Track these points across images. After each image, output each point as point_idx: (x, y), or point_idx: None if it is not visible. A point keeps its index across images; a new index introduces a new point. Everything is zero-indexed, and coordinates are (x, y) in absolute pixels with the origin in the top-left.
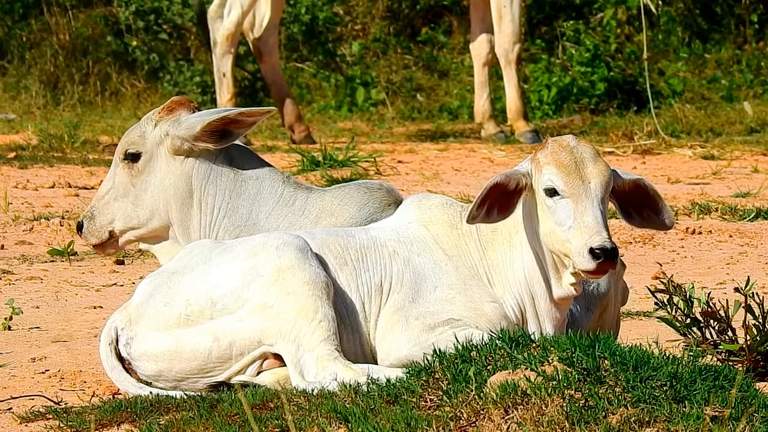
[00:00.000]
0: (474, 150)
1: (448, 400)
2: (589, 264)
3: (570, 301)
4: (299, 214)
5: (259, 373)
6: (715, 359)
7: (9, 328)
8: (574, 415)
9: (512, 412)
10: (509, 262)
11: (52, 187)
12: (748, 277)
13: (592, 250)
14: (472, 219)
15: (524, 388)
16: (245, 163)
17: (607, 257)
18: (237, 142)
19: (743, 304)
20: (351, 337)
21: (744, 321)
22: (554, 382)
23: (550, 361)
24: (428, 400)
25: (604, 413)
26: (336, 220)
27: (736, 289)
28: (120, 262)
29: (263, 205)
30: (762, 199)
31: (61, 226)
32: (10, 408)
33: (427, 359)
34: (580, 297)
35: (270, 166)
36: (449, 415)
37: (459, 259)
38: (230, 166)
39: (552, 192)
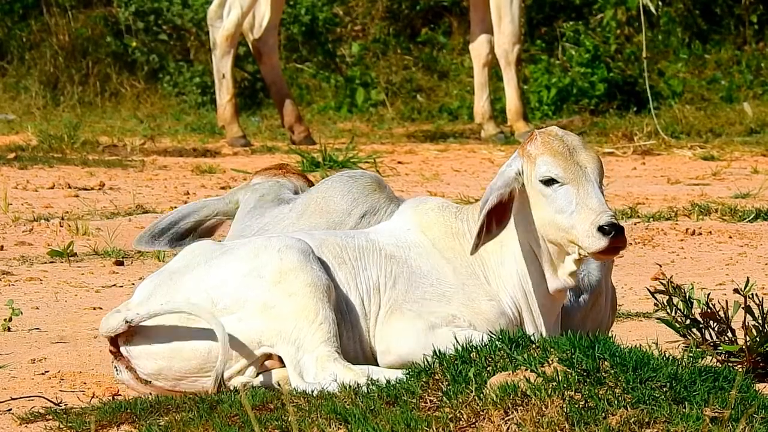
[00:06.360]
0: (474, 150)
1: (447, 401)
2: (601, 242)
3: (565, 293)
4: (286, 210)
5: (259, 373)
6: (715, 360)
7: (9, 329)
8: (574, 416)
9: (512, 413)
10: (500, 261)
11: (52, 187)
12: (748, 278)
13: (601, 228)
14: (476, 248)
15: (524, 389)
16: None
17: (617, 232)
18: None
19: (743, 305)
20: (351, 335)
21: (744, 322)
22: (554, 383)
23: (550, 362)
24: (428, 401)
25: (603, 414)
26: (321, 208)
27: (736, 290)
28: (119, 263)
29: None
30: (762, 199)
31: (61, 226)
32: (10, 409)
33: (426, 360)
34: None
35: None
36: (449, 416)
37: (456, 261)
38: None
39: (550, 181)
